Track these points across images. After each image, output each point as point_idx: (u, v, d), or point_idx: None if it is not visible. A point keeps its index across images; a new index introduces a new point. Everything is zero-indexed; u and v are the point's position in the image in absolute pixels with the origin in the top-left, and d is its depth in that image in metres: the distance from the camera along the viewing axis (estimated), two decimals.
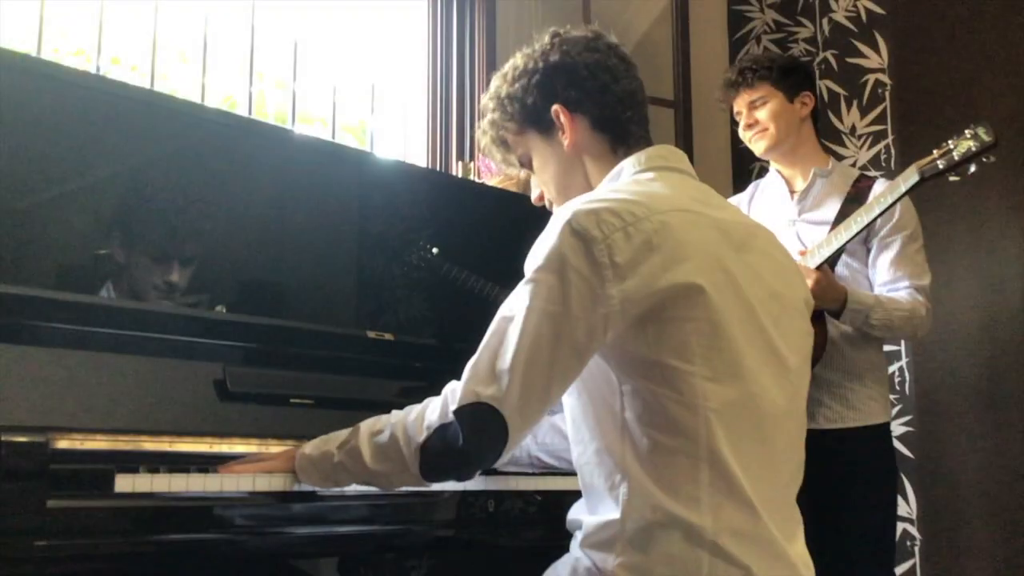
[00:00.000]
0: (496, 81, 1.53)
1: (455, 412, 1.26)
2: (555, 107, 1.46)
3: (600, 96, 1.45)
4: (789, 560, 1.27)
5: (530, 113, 1.48)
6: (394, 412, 1.37)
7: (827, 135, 3.63)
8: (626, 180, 1.40)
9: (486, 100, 1.54)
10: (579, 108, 1.45)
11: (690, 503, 1.22)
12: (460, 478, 1.41)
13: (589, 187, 1.45)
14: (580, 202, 1.29)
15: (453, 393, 1.28)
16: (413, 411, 1.33)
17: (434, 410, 1.29)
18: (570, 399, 1.36)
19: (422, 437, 1.29)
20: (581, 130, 1.46)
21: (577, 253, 1.23)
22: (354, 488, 1.54)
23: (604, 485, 1.29)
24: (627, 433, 1.26)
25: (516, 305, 1.27)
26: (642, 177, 1.39)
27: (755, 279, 1.33)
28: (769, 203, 2.55)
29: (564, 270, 1.23)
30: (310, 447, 1.43)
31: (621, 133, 1.45)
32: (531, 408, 1.25)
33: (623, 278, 1.22)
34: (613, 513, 1.26)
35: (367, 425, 1.38)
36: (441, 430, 1.27)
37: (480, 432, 1.25)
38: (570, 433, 1.38)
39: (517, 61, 1.51)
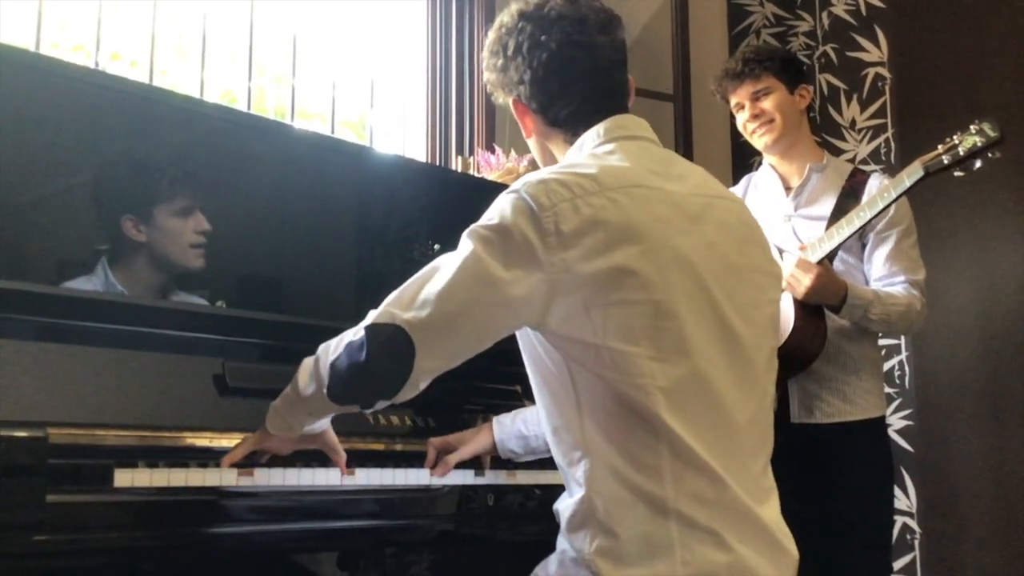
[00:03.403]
0: (487, 39, 1.51)
1: (366, 328, 1.26)
2: (511, 99, 1.47)
3: (549, 101, 1.43)
4: (761, 522, 1.27)
5: (503, 87, 1.48)
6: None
7: (827, 129, 3.64)
8: (586, 154, 1.39)
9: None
10: (530, 105, 1.45)
11: (652, 472, 1.23)
12: (361, 401, 1.34)
13: (556, 162, 1.46)
14: (533, 174, 1.30)
15: (372, 313, 1.28)
16: (339, 335, 1.34)
17: (352, 330, 1.30)
18: (531, 377, 1.37)
19: (335, 355, 1.30)
20: (538, 123, 1.46)
21: (524, 217, 1.24)
22: (354, 483, 1.54)
23: (565, 462, 1.31)
24: (585, 409, 1.27)
25: (456, 252, 1.27)
26: (600, 150, 1.38)
27: (709, 252, 1.32)
28: (763, 198, 2.54)
29: (509, 230, 1.24)
30: (277, 399, 1.44)
31: (575, 125, 1.43)
32: (443, 345, 1.25)
33: (566, 247, 1.23)
34: (579, 491, 1.27)
35: (309, 357, 1.39)
36: (350, 346, 1.28)
37: (384, 351, 1.25)
38: (539, 415, 1.39)
39: (492, 33, 1.49)
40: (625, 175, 1.31)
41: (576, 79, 1.41)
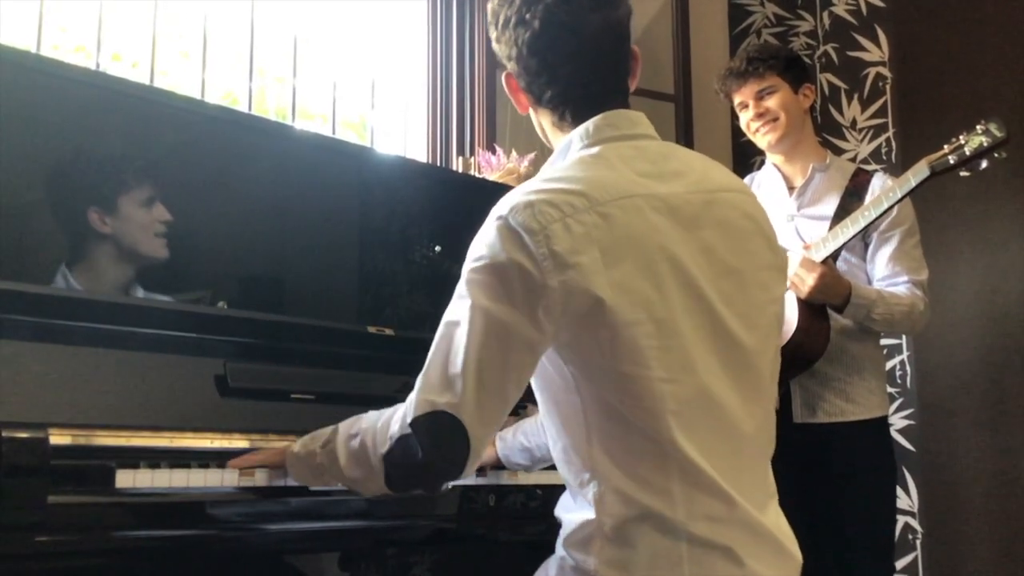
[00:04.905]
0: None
1: (411, 423, 1.22)
2: (504, 74, 1.42)
3: (534, 81, 1.37)
4: (766, 531, 1.26)
5: (502, 59, 1.42)
6: (370, 414, 1.34)
7: (828, 129, 3.63)
8: (572, 159, 1.33)
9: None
10: (519, 82, 1.39)
11: (663, 494, 1.20)
12: (427, 490, 1.36)
13: (551, 144, 1.42)
14: (519, 193, 1.25)
15: (410, 404, 1.24)
16: (382, 418, 1.30)
17: (397, 420, 1.26)
18: (538, 396, 1.34)
19: (385, 448, 1.26)
20: (529, 99, 1.41)
21: (515, 246, 1.19)
22: None
23: (574, 482, 1.28)
24: (593, 432, 1.24)
25: (460, 307, 1.22)
26: (587, 154, 1.31)
27: (706, 259, 1.27)
28: (767, 198, 2.54)
29: (504, 266, 1.20)
30: (298, 445, 1.41)
31: (562, 108, 1.37)
32: (490, 411, 1.22)
33: (563, 268, 1.18)
34: (588, 513, 1.24)
35: (345, 426, 1.35)
36: (401, 441, 1.24)
37: (439, 442, 1.21)
38: (544, 428, 1.36)
39: (490, 3, 1.42)
40: (615, 186, 1.25)
41: (561, 62, 1.34)
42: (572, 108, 1.36)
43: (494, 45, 1.42)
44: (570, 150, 1.35)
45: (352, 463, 1.32)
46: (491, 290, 1.20)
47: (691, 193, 1.31)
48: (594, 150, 1.32)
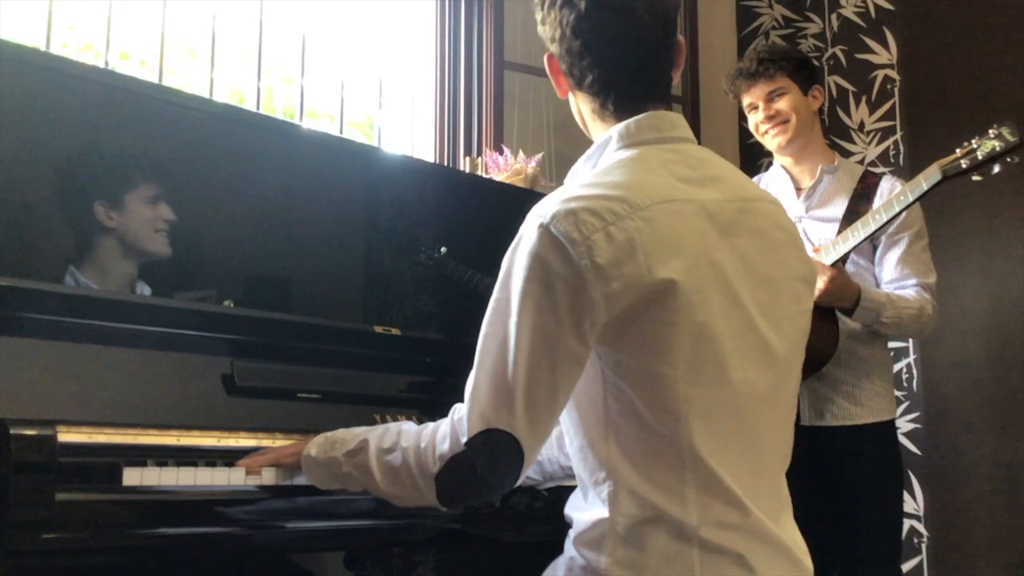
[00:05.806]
0: None
1: (467, 443, 1.22)
2: (547, 54, 1.40)
3: (576, 64, 1.35)
4: (780, 542, 1.25)
5: (546, 41, 1.41)
6: (403, 428, 1.34)
7: (836, 131, 3.63)
8: (610, 160, 1.32)
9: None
10: (561, 64, 1.38)
11: (677, 498, 1.20)
12: (481, 503, 1.37)
13: (587, 131, 1.42)
14: (559, 200, 1.22)
15: (460, 422, 1.24)
16: (424, 436, 1.29)
17: (444, 438, 1.25)
18: None
19: (436, 468, 1.26)
20: (570, 83, 1.39)
21: (558, 258, 1.18)
22: None
23: (588, 480, 1.27)
24: (611, 430, 1.23)
25: (504, 320, 1.21)
26: (627, 157, 1.30)
27: (743, 267, 1.27)
28: None
29: (548, 277, 1.18)
30: (315, 449, 1.41)
31: (602, 95, 1.35)
32: (541, 423, 1.22)
33: (607, 280, 1.17)
34: (602, 512, 1.24)
35: (376, 439, 1.35)
36: (454, 461, 1.24)
37: (495, 459, 1.22)
38: (562, 423, 1.35)
39: None
40: (656, 190, 1.24)
41: (604, 45, 1.32)
42: (615, 97, 1.35)
43: (538, 27, 1.40)
44: (607, 148, 1.34)
45: (390, 479, 1.32)
46: (535, 302, 1.19)
47: (727, 201, 1.30)
48: (633, 152, 1.31)
